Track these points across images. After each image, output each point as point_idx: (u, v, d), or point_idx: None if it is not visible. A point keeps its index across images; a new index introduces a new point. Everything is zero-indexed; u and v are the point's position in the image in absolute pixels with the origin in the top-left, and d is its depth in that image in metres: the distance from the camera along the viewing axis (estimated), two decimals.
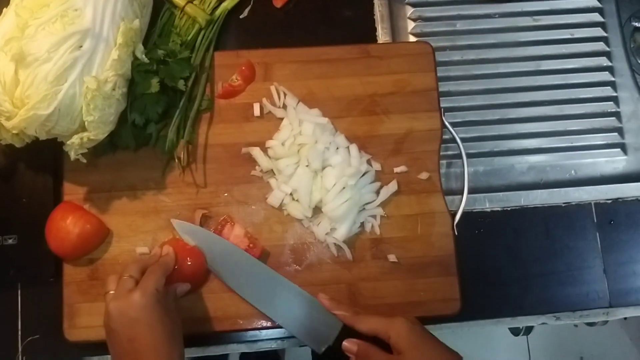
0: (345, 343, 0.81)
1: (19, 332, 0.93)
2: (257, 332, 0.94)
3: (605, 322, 1.07)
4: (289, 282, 0.89)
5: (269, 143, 0.94)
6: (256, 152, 0.94)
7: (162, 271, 0.81)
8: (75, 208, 0.90)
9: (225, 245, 0.90)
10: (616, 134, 1.11)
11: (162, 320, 0.75)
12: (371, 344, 0.80)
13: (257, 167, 0.95)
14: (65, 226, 0.88)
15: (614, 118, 1.11)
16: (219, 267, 0.89)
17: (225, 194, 0.94)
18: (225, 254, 0.89)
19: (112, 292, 0.79)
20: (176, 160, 0.93)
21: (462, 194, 0.97)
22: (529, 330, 1.91)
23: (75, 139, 0.81)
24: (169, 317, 0.77)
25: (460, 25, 1.14)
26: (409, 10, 1.14)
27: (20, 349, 0.92)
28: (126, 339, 0.74)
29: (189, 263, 0.87)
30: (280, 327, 0.90)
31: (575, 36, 1.14)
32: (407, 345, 0.78)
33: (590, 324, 1.44)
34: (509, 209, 1.02)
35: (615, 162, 1.10)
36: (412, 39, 1.12)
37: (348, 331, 0.83)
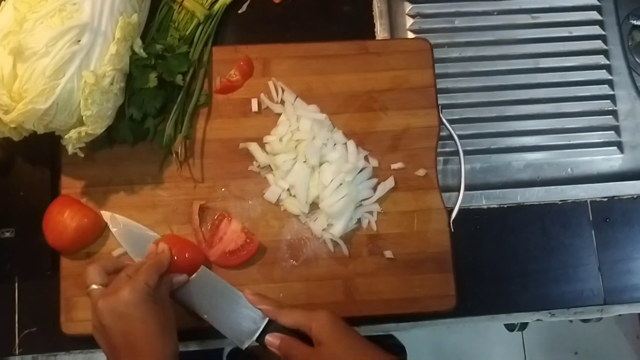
0: (268, 337, 0.81)
1: (16, 325, 0.93)
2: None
3: (600, 318, 1.08)
4: (216, 276, 0.87)
5: (267, 139, 0.95)
6: (254, 147, 0.94)
7: (154, 269, 0.79)
8: (73, 202, 0.91)
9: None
10: (613, 132, 1.11)
11: (154, 313, 0.75)
12: (293, 337, 0.81)
13: (254, 162, 0.95)
14: (63, 220, 0.88)
15: (611, 116, 1.12)
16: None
17: (223, 189, 0.94)
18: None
19: (94, 286, 0.78)
20: (174, 155, 0.93)
21: (458, 190, 0.97)
22: (524, 326, 1.92)
23: (73, 133, 0.82)
24: (161, 310, 0.77)
25: (458, 22, 1.14)
26: (408, 7, 1.14)
27: (17, 342, 0.92)
28: (120, 333, 0.74)
29: (187, 256, 0.88)
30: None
31: (574, 34, 1.14)
32: (328, 336, 0.78)
33: (584, 321, 1.45)
34: (505, 206, 1.02)
35: (612, 160, 1.10)
36: (410, 35, 1.13)
37: (273, 327, 0.83)
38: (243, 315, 0.84)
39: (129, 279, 0.77)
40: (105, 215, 0.91)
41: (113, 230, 0.91)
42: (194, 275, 0.85)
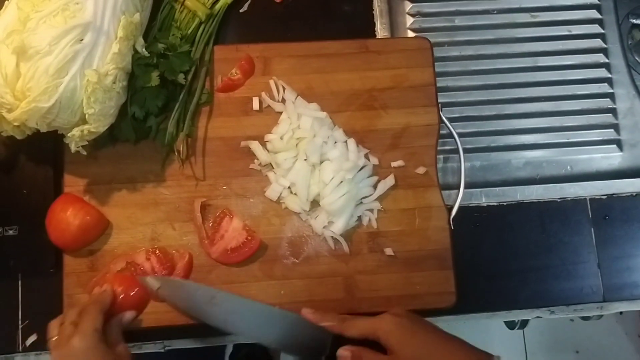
0: (339, 351, 0.79)
1: (19, 322, 0.93)
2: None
3: (600, 316, 1.08)
4: (270, 307, 0.84)
5: (268, 137, 0.95)
6: (255, 145, 0.95)
7: (97, 310, 0.78)
8: (76, 200, 0.91)
9: (196, 287, 0.86)
10: (612, 130, 1.12)
11: (108, 358, 0.74)
12: (364, 347, 0.78)
13: (255, 160, 0.95)
14: (66, 218, 0.88)
15: (610, 114, 1.12)
16: (197, 313, 0.82)
17: (224, 187, 0.95)
18: (200, 295, 0.83)
19: (54, 339, 0.77)
20: (176, 153, 0.94)
21: (458, 188, 0.98)
22: (524, 323, 1.92)
23: (75, 132, 0.82)
24: (114, 354, 0.76)
25: (458, 21, 1.14)
26: (408, 6, 1.14)
27: (20, 339, 0.93)
28: None
29: (134, 292, 0.85)
30: None
31: (573, 33, 1.14)
32: (397, 342, 0.76)
33: (585, 318, 1.45)
34: (505, 203, 1.03)
35: (611, 158, 1.11)
36: (410, 34, 1.13)
37: (341, 338, 0.81)
38: (310, 334, 0.82)
39: (75, 326, 0.76)
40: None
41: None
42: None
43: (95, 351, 0.74)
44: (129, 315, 0.83)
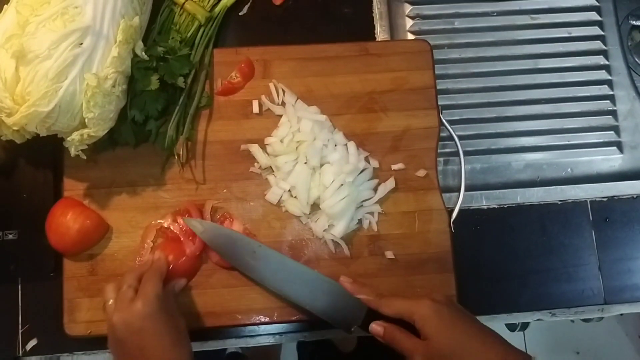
0: (372, 325, 0.80)
1: (20, 327, 0.93)
2: (255, 327, 0.95)
3: (601, 318, 1.08)
4: (308, 269, 0.89)
5: (268, 140, 0.95)
6: (255, 149, 0.95)
7: (157, 276, 0.81)
8: (75, 204, 0.91)
9: (239, 237, 0.90)
10: (612, 132, 1.12)
11: (167, 325, 0.76)
12: (398, 326, 0.79)
13: (255, 163, 0.95)
14: (66, 222, 0.88)
15: (610, 116, 1.12)
16: (237, 263, 0.89)
17: (224, 191, 0.95)
18: (241, 246, 0.89)
19: (111, 301, 0.79)
20: (175, 157, 0.94)
21: (459, 191, 0.98)
22: (525, 325, 1.92)
23: (75, 136, 0.82)
24: (173, 320, 0.78)
25: (458, 23, 1.14)
26: (408, 8, 1.14)
27: (20, 343, 0.93)
28: (136, 347, 0.75)
29: (183, 259, 0.89)
30: (278, 323, 0.91)
31: (573, 34, 1.14)
32: (433, 330, 0.75)
33: (586, 320, 1.45)
34: (505, 206, 1.03)
35: (611, 160, 1.10)
36: (410, 36, 1.13)
37: (374, 312, 0.82)
38: (346, 303, 0.84)
39: (135, 291, 0.78)
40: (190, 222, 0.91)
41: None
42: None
43: (158, 317, 0.76)
44: (180, 282, 0.87)
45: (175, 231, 0.92)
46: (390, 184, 0.95)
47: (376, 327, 0.80)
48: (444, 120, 0.98)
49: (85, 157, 0.87)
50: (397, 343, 0.78)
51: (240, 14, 1.06)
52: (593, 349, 2.09)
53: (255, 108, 0.97)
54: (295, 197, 0.93)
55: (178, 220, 0.92)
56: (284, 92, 0.97)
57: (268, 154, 0.95)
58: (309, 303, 0.86)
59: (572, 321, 2.04)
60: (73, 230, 0.88)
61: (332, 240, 0.93)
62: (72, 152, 0.85)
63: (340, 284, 0.86)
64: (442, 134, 0.98)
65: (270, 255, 0.88)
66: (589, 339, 2.09)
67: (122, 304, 0.77)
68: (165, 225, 0.93)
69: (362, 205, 0.95)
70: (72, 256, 0.91)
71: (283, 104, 0.97)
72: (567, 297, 1.00)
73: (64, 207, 0.90)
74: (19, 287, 0.94)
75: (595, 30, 1.15)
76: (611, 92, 1.13)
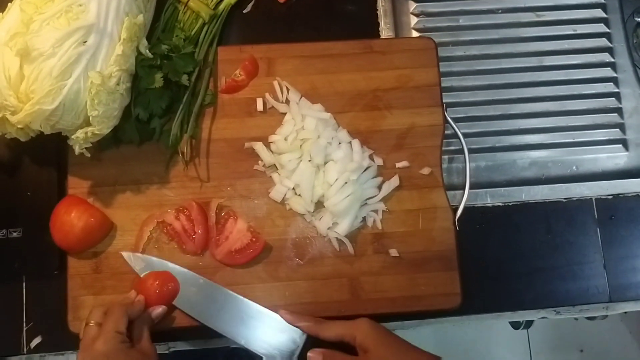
0: (309, 354, 0.81)
1: (24, 324, 0.93)
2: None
3: (605, 316, 1.08)
4: (248, 301, 0.89)
5: (272, 138, 0.95)
6: (259, 146, 0.95)
7: (122, 311, 0.79)
8: (80, 202, 0.91)
9: (179, 272, 0.89)
10: (618, 130, 1.11)
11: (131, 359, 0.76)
12: (335, 351, 0.81)
13: (259, 161, 0.95)
14: (70, 220, 0.88)
15: (615, 114, 1.12)
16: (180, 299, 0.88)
17: (229, 188, 0.95)
18: (184, 281, 0.89)
19: (91, 323, 0.79)
20: (180, 155, 0.94)
21: (463, 189, 0.98)
22: (529, 323, 1.92)
23: (79, 134, 0.82)
24: (139, 352, 0.78)
25: (463, 21, 1.14)
26: (412, 6, 1.14)
27: (25, 341, 0.93)
28: None
29: (169, 288, 0.88)
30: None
31: (578, 32, 1.14)
32: (373, 342, 0.79)
33: (590, 318, 1.45)
34: (510, 204, 1.02)
35: (617, 158, 1.10)
36: (414, 34, 1.13)
37: (313, 343, 0.83)
38: (281, 336, 0.85)
39: (99, 327, 0.78)
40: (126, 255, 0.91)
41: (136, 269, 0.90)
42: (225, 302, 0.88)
43: (119, 355, 0.75)
44: (158, 310, 0.85)
45: (177, 228, 0.92)
46: (394, 181, 0.95)
47: (313, 355, 0.81)
48: (448, 118, 0.98)
49: (89, 155, 0.87)
50: None
51: (244, 11, 1.06)
52: (597, 347, 2.09)
53: (260, 106, 0.96)
54: (299, 195, 0.93)
55: (179, 217, 0.92)
56: (288, 89, 0.97)
57: (272, 152, 0.95)
58: (245, 336, 0.86)
59: (576, 319, 2.03)
60: (77, 228, 0.88)
61: (336, 238, 0.93)
62: (77, 150, 0.85)
63: (281, 316, 0.86)
64: (446, 132, 0.98)
65: (215, 292, 0.89)
66: (592, 337, 2.08)
67: (85, 342, 0.77)
68: (167, 220, 0.93)
69: (366, 203, 0.94)
70: (76, 254, 0.91)
71: (287, 101, 0.97)
72: (572, 295, 1.00)
73: (68, 205, 0.90)
74: (24, 284, 0.94)
75: (600, 28, 1.14)
76: (617, 90, 1.12)
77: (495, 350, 2.05)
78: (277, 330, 0.86)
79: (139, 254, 0.90)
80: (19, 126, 0.81)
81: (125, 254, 0.90)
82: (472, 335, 1.94)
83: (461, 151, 0.99)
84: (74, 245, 0.90)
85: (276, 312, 0.87)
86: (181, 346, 0.95)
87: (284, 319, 0.86)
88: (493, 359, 2.05)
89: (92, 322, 0.79)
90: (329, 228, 0.92)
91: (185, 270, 0.90)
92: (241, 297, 0.89)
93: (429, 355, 0.80)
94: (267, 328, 0.86)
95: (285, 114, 0.96)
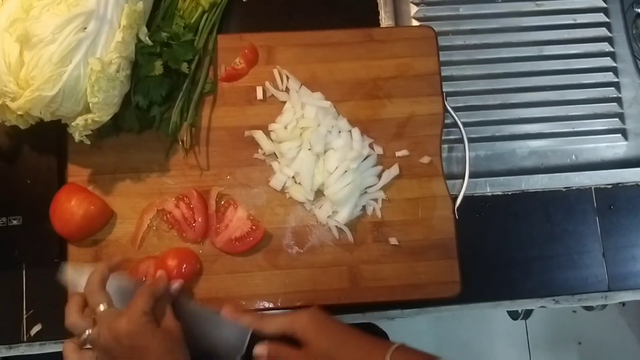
0: (255, 349, 0.80)
1: (24, 312, 0.93)
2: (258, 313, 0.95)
3: (604, 306, 1.08)
4: (189, 301, 0.87)
5: (272, 126, 0.95)
6: (259, 135, 0.95)
7: (150, 294, 0.79)
8: (80, 189, 0.91)
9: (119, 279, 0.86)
10: (617, 119, 1.11)
11: (157, 337, 0.75)
12: (281, 343, 0.80)
13: (259, 150, 0.95)
14: (70, 207, 0.88)
15: (615, 104, 1.12)
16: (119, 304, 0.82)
17: (228, 177, 0.95)
18: (120, 288, 0.84)
19: (102, 307, 0.77)
20: (179, 143, 0.94)
21: (463, 178, 0.98)
22: (527, 314, 1.93)
23: (79, 121, 0.82)
24: (165, 330, 0.77)
25: (463, 10, 1.14)
26: None
27: (24, 329, 0.93)
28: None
29: (185, 267, 0.89)
30: (282, 308, 0.91)
31: (578, 21, 1.14)
32: (313, 334, 0.78)
33: (588, 309, 1.45)
34: (509, 193, 1.03)
35: (616, 147, 1.10)
36: (415, 23, 1.13)
37: (258, 339, 0.82)
38: (227, 334, 0.83)
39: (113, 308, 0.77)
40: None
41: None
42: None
43: (145, 333, 0.75)
44: (175, 285, 0.85)
45: (177, 216, 0.92)
46: (394, 170, 0.95)
47: (259, 348, 0.80)
48: (448, 107, 0.98)
49: (89, 143, 0.87)
50: (283, 356, 0.79)
51: (244, 0, 1.05)
52: (595, 339, 2.09)
53: (259, 94, 0.96)
54: (299, 183, 0.93)
55: (179, 205, 0.92)
56: (288, 78, 0.97)
57: (272, 140, 0.95)
58: (190, 335, 0.83)
59: (574, 311, 2.04)
60: (77, 216, 0.88)
61: (336, 226, 0.93)
62: (76, 137, 0.84)
63: (222, 314, 0.84)
64: (446, 121, 0.98)
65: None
66: (591, 329, 2.09)
67: (112, 318, 0.76)
68: (167, 209, 0.93)
69: (366, 192, 0.95)
70: (77, 242, 0.92)
71: (287, 90, 0.97)
72: (570, 284, 1.00)
73: (68, 192, 0.90)
74: (24, 272, 0.94)
75: (600, 17, 1.14)
76: (616, 79, 1.12)
77: (493, 342, 2.06)
78: (220, 328, 0.84)
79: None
80: (19, 113, 0.80)
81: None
82: (470, 328, 1.94)
83: (461, 140, 0.99)
84: (74, 233, 0.90)
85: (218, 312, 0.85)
86: None
87: (227, 317, 0.84)
88: (491, 352, 2.05)
89: (102, 305, 0.77)
90: (328, 216, 0.93)
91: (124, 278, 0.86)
92: (181, 298, 0.86)
93: (374, 341, 0.80)
94: (210, 327, 0.84)
95: (285, 102, 0.96)
